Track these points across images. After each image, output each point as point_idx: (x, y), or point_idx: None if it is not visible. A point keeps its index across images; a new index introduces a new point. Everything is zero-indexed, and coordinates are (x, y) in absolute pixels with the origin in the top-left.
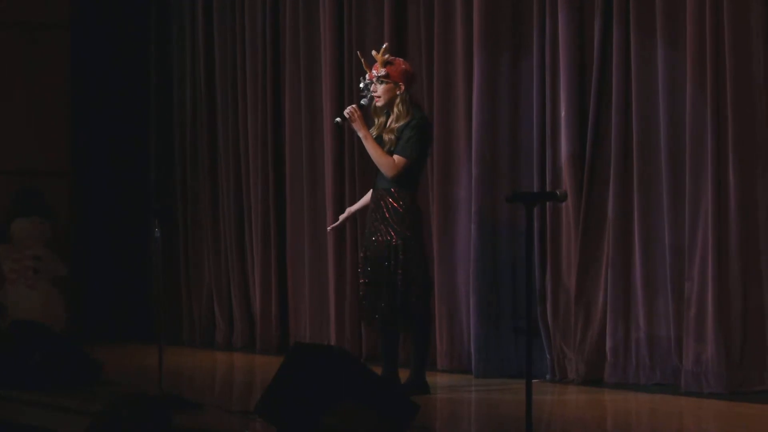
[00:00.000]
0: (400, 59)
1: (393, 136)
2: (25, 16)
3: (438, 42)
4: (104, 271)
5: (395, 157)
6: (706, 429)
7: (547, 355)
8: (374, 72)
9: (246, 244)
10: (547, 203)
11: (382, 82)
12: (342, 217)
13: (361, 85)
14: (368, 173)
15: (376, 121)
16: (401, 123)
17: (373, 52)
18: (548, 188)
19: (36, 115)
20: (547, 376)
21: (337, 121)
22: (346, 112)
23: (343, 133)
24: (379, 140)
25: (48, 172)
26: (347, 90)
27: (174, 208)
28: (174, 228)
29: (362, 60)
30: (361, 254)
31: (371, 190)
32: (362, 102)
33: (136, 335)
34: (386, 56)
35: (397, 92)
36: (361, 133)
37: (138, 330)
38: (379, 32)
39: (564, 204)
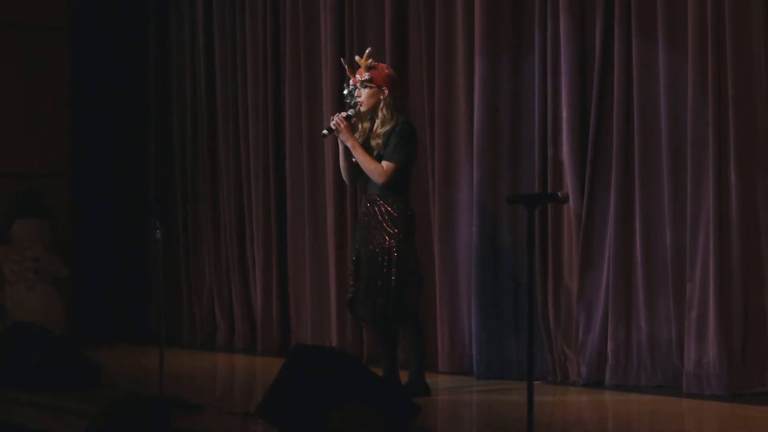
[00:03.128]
0: (383, 64)
1: (380, 141)
2: (25, 17)
3: (439, 44)
4: (104, 273)
5: (384, 163)
6: (707, 431)
7: (548, 357)
8: (358, 77)
9: (247, 245)
10: (549, 205)
11: (365, 87)
12: None
13: (345, 91)
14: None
15: (360, 126)
16: (387, 127)
17: (357, 57)
18: (549, 190)
19: (36, 116)
20: (548, 378)
21: (324, 133)
22: (333, 123)
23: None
24: (366, 145)
25: (48, 173)
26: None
27: (174, 209)
28: (174, 229)
29: (345, 66)
30: (354, 258)
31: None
32: (349, 112)
33: (136, 337)
34: (369, 61)
35: (381, 97)
36: (349, 143)
37: (138, 331)
38: (379, 34)
39: (565, 205)
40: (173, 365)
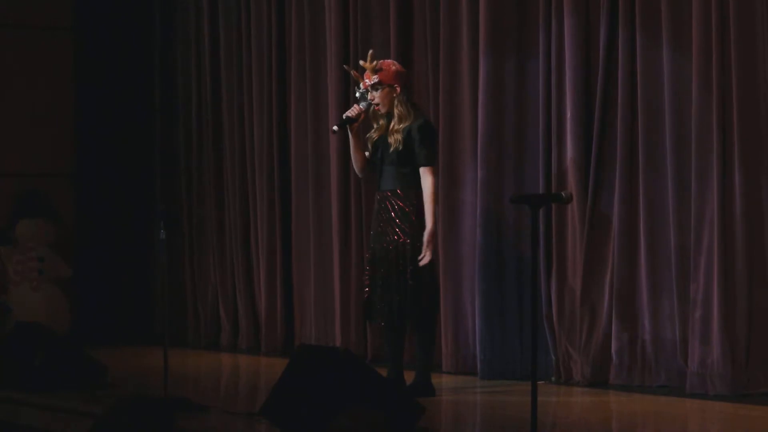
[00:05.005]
0: (389, 61)
1: (399, 137)
2: (28, 18)
3: (444, 45)
4: (108, 273)
5: (422, 169)
6: (710, 431)
7: (552, 357)
8: (367, 81)
9: (251, 245)
10: (553, 205)
11: (377, 89)
12: None
13: (357, 94)
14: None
15: (375, 125)
16: (405, 124)
17: (361, 62)
18: (553, 190)
19: (40, 117)
20: (552, 378)
21: (335, 129)
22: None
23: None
24: (383, 142)
25: (52, 174)
26: (352, 91)
27: (179, 209)
28: (179, 229)
29: (351, 73)
30: (368, 255)
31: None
32: (361, 105)
33: (140, 337)
34: (374, 63)
35: (394, 95)
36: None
37: (142, 332)
38: (384, 35)
39: (569, 205)
40: (177, 365)
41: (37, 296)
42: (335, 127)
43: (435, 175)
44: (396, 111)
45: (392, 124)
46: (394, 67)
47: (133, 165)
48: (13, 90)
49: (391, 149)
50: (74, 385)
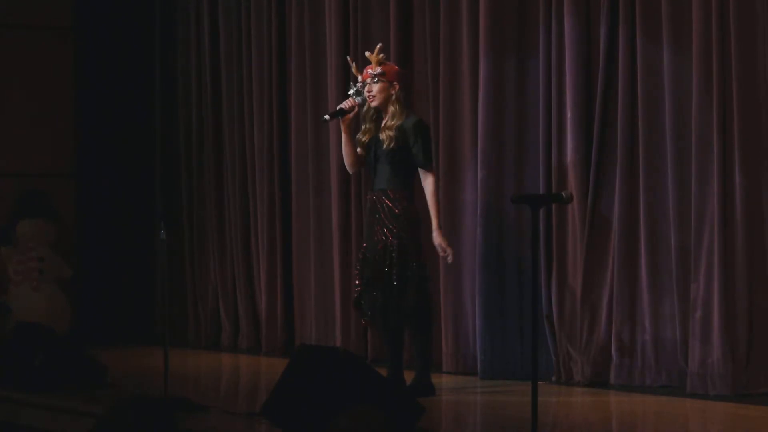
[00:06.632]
0: (393, 63)
1: (391, 134)
2: (28, 18)
3: (444, 45)
4: (109, 273)
5: (422, 170)
6: (710, 431)
7: (553, 357)
8: (369, 71)
9: (252, 245)
10: (553, 205)
11: (377, 81)
12: None
13: (351, 91)
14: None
15: (363, 126)
16: (397, 122)
17: (367, 53)
18: (554, 190)
19: (41, 117)
20: (552, 378)
21: (326, 118)
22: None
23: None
24: (375, 140)
25: (53, 174)
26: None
27: (179, 209)
28: (179, 229)
29: (352, 64)
30: (360, 255)
31: None
32: (357, 99)
33: (140, 337)
34: (381, 56)
35: (392, 92)
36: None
37: (143, 332)
38: (384, 35)
39: (569, 205)
40: (178, 365)
41: (37, 296)
42: (326, 117)
43: (434, 173)
44: (390, 108)
45: (384, 120)
46: (397, 67)
47: (133, 165)
48: (13, 90)
49: (384, 146)
50: (74, 385)
